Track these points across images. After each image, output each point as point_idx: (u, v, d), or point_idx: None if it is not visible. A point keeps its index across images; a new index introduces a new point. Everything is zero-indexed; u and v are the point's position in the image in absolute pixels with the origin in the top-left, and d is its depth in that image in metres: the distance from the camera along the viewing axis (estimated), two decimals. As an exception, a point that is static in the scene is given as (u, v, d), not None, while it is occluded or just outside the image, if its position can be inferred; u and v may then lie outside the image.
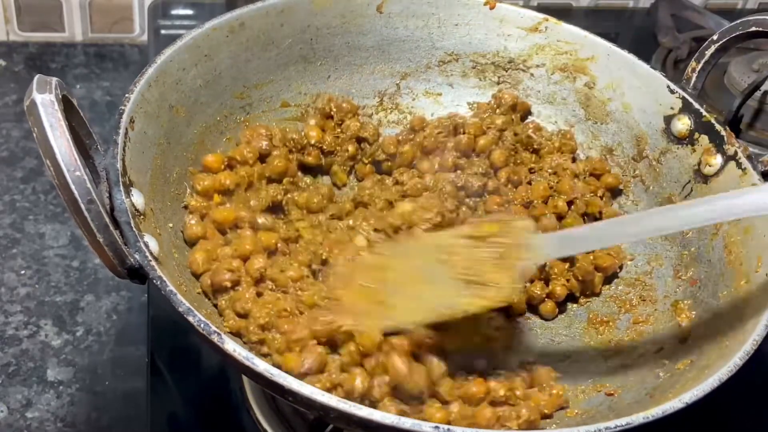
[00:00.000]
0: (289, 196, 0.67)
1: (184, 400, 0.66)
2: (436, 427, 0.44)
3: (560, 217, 0.68)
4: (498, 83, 0.75)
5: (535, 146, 0.71)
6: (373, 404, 0.52)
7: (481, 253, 0.56)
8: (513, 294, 0.56)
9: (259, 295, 0.57)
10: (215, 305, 0.57)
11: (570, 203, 0.68)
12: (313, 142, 0.69)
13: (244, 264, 0.58)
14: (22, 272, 0.80)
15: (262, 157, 0.66)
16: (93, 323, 0.77)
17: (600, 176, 0.70)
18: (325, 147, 0.70)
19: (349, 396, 0.52)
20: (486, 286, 0.55)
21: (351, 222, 0.66)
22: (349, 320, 0.56)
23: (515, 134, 0.71)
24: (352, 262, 0.62)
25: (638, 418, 0.46)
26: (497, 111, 0.73)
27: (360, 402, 0.48)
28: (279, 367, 0.51)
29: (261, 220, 0.63)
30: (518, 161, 0.71)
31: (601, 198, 0.69)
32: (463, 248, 0.57)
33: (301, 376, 0.52)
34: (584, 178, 0.70)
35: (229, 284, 0.56)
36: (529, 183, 0.70)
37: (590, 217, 0.68)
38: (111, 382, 0.73)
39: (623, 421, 0.46)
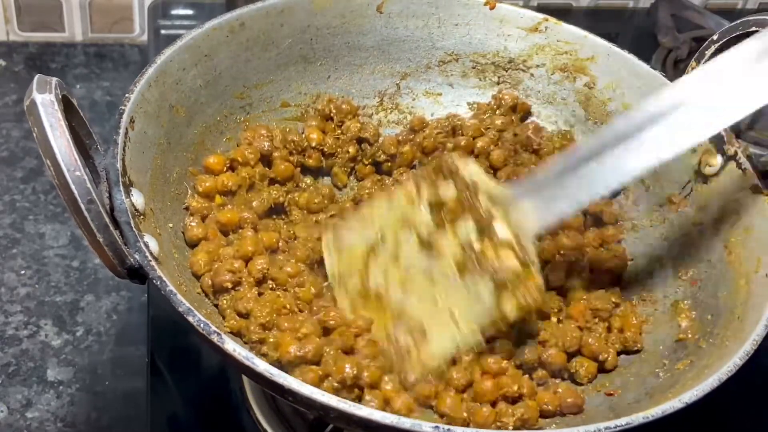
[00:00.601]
0: (290, 196, 0.67)
1: (184, 400, 0.66)
2: (436, 427, 0.44)
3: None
4: (498, 83, 0.75)
5: (535, 147, 0.71)
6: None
7: (461, 234, 0.49)
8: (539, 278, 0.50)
9: (260, 295, 0.57)
10: (215, 305, 0.57)
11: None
12: (313, 144, 0.69)
13: (246, 264, 0.58)
14: (22, 272, 0.80)
15: (264, 158, 0.66)
16: (93, 323, 0.77)
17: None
18: (326, 149, 0.70)
19: (342, 384, 0.52)
20: (506, 278, 0.50)
21: (351, 222, 0.66)
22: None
23: (515, 135, 0.71)
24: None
25: (638, 418, 0.46)
26: (497, 112, 0.73)
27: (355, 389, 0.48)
28: (277, 361, 0.51)
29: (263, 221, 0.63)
30: (519, 162, 0.71)
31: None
32: (439, 231, 0.51)
33: (295, 360, 0.52)
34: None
35: (230, 285, 0.57)
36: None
37: (591, 216, 0.69)
38: (111, 382, 0.73)
39: (623, 421, 0.46)
